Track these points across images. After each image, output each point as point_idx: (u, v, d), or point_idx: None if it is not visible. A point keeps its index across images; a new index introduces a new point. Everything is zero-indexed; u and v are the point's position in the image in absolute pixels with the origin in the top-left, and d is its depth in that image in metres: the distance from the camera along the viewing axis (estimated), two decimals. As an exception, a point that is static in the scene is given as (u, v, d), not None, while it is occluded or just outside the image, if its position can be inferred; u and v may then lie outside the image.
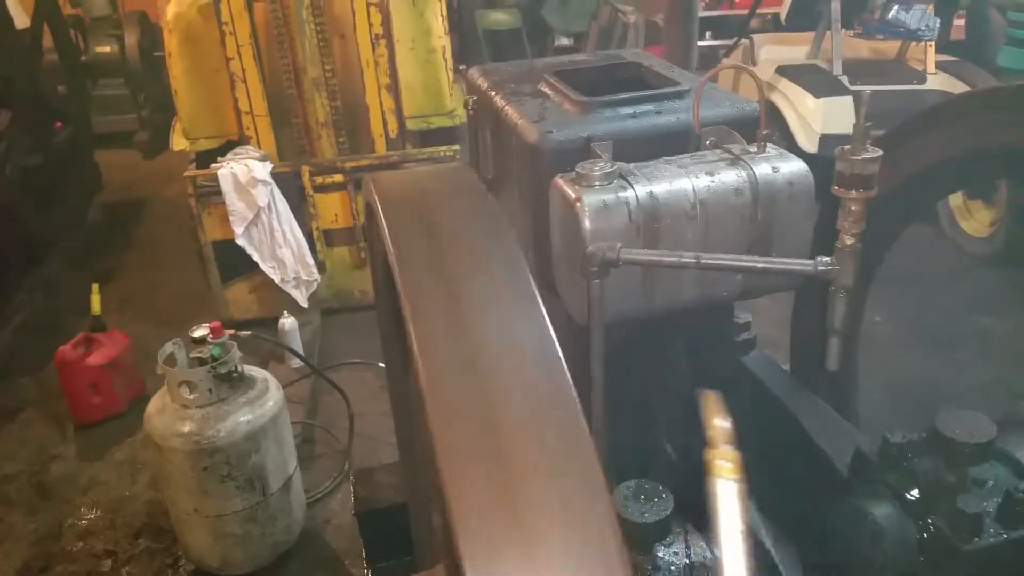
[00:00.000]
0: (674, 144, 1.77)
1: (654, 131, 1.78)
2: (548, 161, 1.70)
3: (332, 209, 4.66)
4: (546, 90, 1.96)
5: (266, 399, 3.08)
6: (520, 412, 0.86)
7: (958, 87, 5.47)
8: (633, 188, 1.59)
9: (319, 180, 4.56)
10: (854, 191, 1.36)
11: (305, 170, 4.52)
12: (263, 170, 4.23)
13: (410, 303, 1.00)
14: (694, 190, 1.61)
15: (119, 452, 3.97)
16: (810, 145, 5.39)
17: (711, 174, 1.64)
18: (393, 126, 4.58)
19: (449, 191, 1.22)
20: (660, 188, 1.60)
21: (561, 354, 0.95)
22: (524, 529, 0.78)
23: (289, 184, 4.47)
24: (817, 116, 5.44)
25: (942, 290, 4.82)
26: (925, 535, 1.47)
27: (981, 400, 3.70)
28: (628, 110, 1.81)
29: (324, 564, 3.26)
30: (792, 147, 4.54)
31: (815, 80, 5.72)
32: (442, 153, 4.63)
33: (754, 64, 6.46)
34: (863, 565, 1.51)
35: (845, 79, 5.62)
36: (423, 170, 1.53)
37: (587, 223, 1.55)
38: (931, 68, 5.79)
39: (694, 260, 1.44)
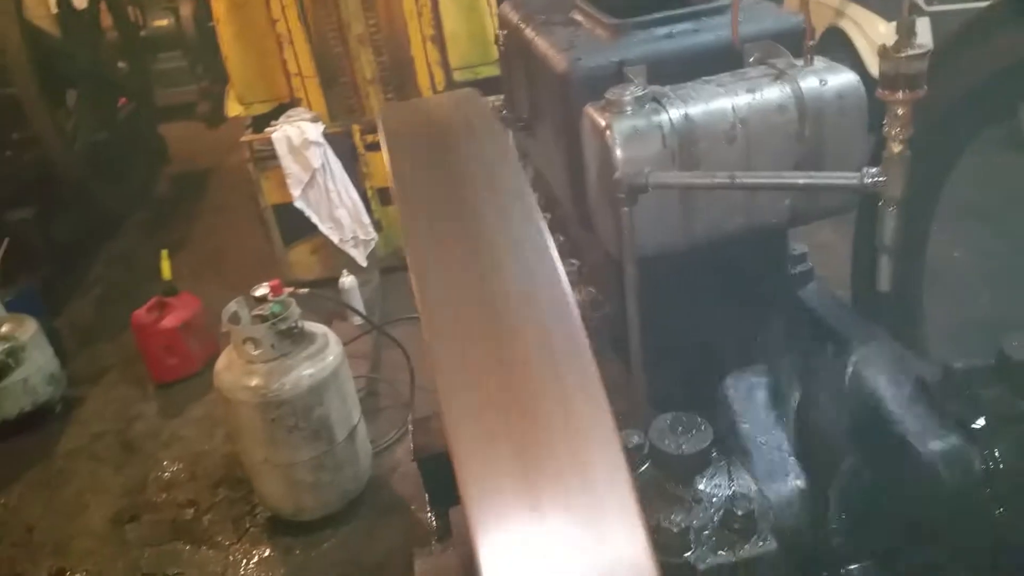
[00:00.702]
0: (716, 64, 1.67)
1: (692, 51, 1.69)
2: (578, 90, 1.64)
3: (383, 167, 4.65)
4: (578, 17, 1.89)
5: (327, 353, 3.15)
6: (525, 349, 0.83)
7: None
8: (667, 111, 1.52)
9: (370, 138, 4.57)
10: (900, 92, 1.26)
11: (356, 129, 4.54)
12: (315, 131, 4.27)
13: (410, 241, 0.98)
14: (734, 109, 1.53)
15: (197, 409, 4.15)
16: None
17: (752, 91, 1.55)
18: (440, 78, 4.54)
19: (455, 118, 1.19)
20: (696, 109, 1.53)
21: (567, 285, 0.91)
22: (529, 481, 0.76)
23: (341, 144, 4.50)
24: (890, 41, 5.12)
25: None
26: (990, 464, 1.39)
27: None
28: (663, 30, 1.72)
29: (392, 509, 3.35)
30: (864, 77, 4.26)
31: (887, 3, 5.38)
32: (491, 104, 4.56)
33: (819, -12, 6.12)
34: (923, 498, 1.44)
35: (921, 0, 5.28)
36: (431, 99, 1.50)
37: (618, 151, 1.49)
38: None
39: (728, 180, 1.37)
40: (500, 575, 0.68)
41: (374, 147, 4.60)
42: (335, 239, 4.51)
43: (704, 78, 1.62)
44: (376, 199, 4.74)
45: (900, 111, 1.27)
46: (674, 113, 1.51)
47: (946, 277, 2.28)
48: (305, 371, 3.05)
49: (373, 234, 4.59)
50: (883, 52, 1.27)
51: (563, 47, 1.72)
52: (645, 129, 1.50)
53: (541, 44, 1.79)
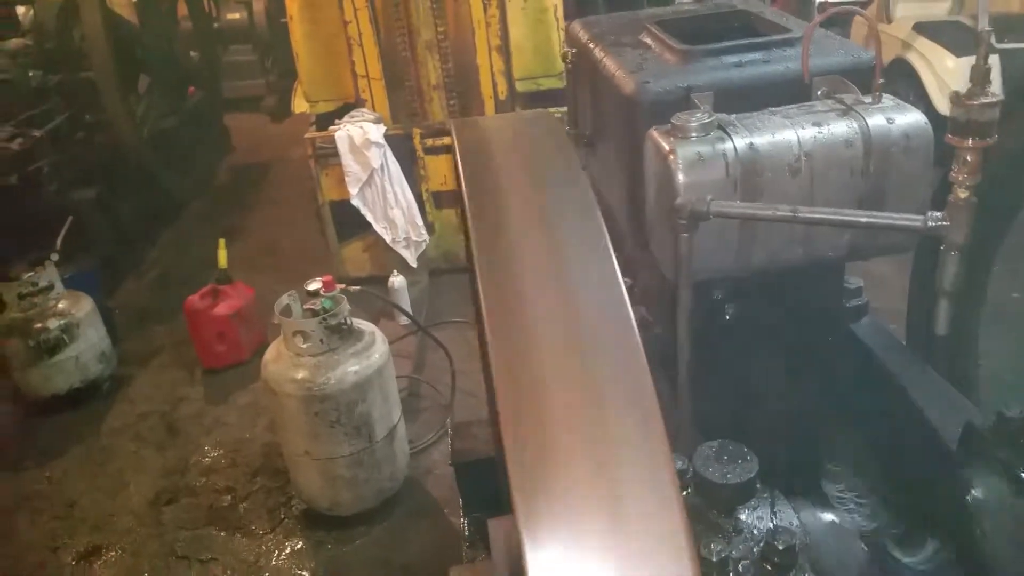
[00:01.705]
0: (783, 96, 1.67)
1: (761, 81, 1.69)
2: (645, 113, 1.65)
3: (441, 171, 4.73)
4: (647, 40, 1.90)
5: (373, 351, 3.19)
6: (582, 366, 0.84)
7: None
8: (732, 139, 1.52)
9: (429, 142, 4.64)
10: (970, 139, 1.25)
11: (416, 132, 4.61)
12: (377, 132, 4.35)
13: (480, 251, 1.00)
14: (799, 141, 1.53)
15: (241, 397, 4.24)
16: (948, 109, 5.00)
17: (819, 125, 1.55)
18: (503, 88, 4.59)
19: (528, 138, 1.21)
20: (761, 140, 1.53)
21: (629, 305, 0.92)
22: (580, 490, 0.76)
23: (401, 146, 4.57)
24: (957, 77, 5.03)
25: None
26: None
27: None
28: (733, 59, 1.72)
29: (425, 511, 3.38)
30: (929, 111, 4.20)
31: (956, 37, 5.28)
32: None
33: (889, 21, 6.03)
34: (970, 542, 1.42)
35: (992, 36, 5.15)
36: (504, 117, 1.53)
37: (681, 176, 1.50)
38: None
39: (791, 213, 1.37)
40: None
41: (433, 151, 4.67)
42: (388, 238, 4.58)
43: (771, 109, 1.63)
44: (431, 202, 4.81)
45: (969, 158, 1.26)
46: (739, 142, 1.52)
47: (1003, 318, 2.25)
48: (351, 367, 3.10)
49: (425, 236, 4.65)
50: (955, 99, 1.27)
51: (631, 69, 1.73)
52: (709, 156, 1.50)
53: (610, 64, 1.81)
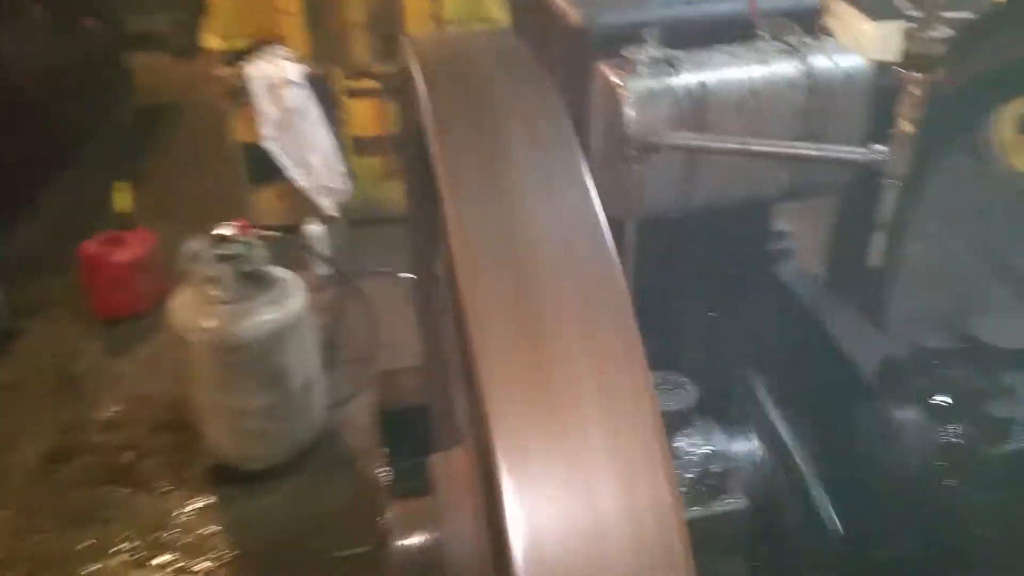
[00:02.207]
0: (729, 35, 1.66)
1: (709, 19, 1.67)
2: (593, 46, 1.60)
3: (364, 116, 4.58)
4: (595, -26, 1.84)
5: (290, 300, 3.08)
6: (560, 285, 0.81)
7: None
8: (682, 76, 1.50)
9: (352, 84, 4.47)
10: (918, 72, 1.28)
11: (338, 73, 4.42)
12: (295, 71, 4.14)
13: (447, 171, 0.95)
14: (748, 80, 1.53)
15: (143, 349, 4.02)
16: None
17: (766, 64, 1.55)
18: (431, 30, 4.43)
19: (495, 55, 1.15)
20: (710, 77, 1.52)
21: (606, 226, 0.89)
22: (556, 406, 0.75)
23: (321, 88, 4.37)
24: (870, 42, 5.19)
25: (983, 225, 4.68)
26: (951, 439, 1.46)
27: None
28: (682, -4, 1.70)
29: (340, 463, 3.31)
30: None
31: (874, 2, 5.45)
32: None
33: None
34: (885, 468, 1.49)
35: (905, 2, 5.35)
36: (466, 33, 1.46)
37: (630, 111, 1.47)
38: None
39: (742, 146, 1.37)
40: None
41: (357, 93, 4.49)
42: (304, 185, 4.40)
43: (718, 47, 1.61)
44: (352, 148, 4.63)
45: (915, 90, 1.29)
46: (689, 78, 1.50)
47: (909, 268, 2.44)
48: (267, 315, 2.98)
49: (346, 184, 4.49)
50: (908, 32, 1.28)
51: (580, 2, 1.68)
52: (659, 91, 1.48)
53: (556, -2, 1.75)
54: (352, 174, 4.62)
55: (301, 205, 4.52)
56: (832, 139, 1.60)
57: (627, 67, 1.50)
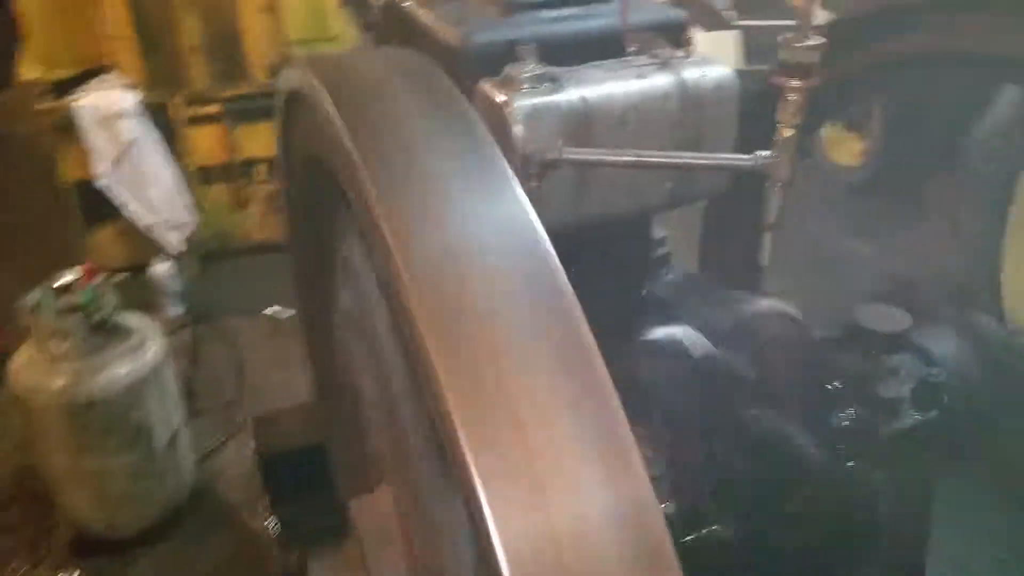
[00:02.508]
0: (601, 51, 1.69)
1: (581, 36, 1.70)
2: (471, 65, 1.59)
3: (207, 144, 4.33)
4: (462, -7, 1.83)
5: (146, 349, 2.84)
6: (511, 298, 0.79)
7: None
8: (564, 92, 1.51)
9: (192, 112, 4.21)
10: (795, 80, 1.35)
11: (177, 102, 4.15)
12: (128, 101, 3.85)
13: (378, 191, 0.91)
14: (626, 95, 1.56)
15: (-24, 417, 3.58)
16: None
17: (642, 78, 1.59)
18: (273, 53, 4.25)
19: (403, 71, 1.11)
20: (591, 92, 1.54)
21: (543, 231, 0.90)
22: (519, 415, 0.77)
23: (159, 117, 4.10)
24: (703, 49, 5.51)
25: (817, 216, 5.07)
26: (846, 423, 1.53)
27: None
28: (553, 13, 1.72)
29: (217, 519, 3.09)
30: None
31: (698, 15, 5.78)
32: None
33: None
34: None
35: (733, 13, 5.71)
36: (364, 51, 1.43)
37: (518, 128, 1.46)
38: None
39: (635, 158, 1.40)
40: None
41: (198, 120, 4.24)
42: (144, 223, 4.09)
43: (593, 63, 1.64)
44: (197, 178, 4.37)
45: (793, 97, 1.36)
46: (572, 94, 1.51)
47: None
48: (121, 368, 2.73)
49: (191, 216, 4.21)
50: (783, 42, 1.35)
51: (453, 22, 1.66)
52: (544, 108, 1.49)
53: (427, 17, 1.72)
54: (198, 206, 4.35)
55: (145, 243, 4.21)
56: (707, 146, 1.67)
57: (511, 85, 1.49)
